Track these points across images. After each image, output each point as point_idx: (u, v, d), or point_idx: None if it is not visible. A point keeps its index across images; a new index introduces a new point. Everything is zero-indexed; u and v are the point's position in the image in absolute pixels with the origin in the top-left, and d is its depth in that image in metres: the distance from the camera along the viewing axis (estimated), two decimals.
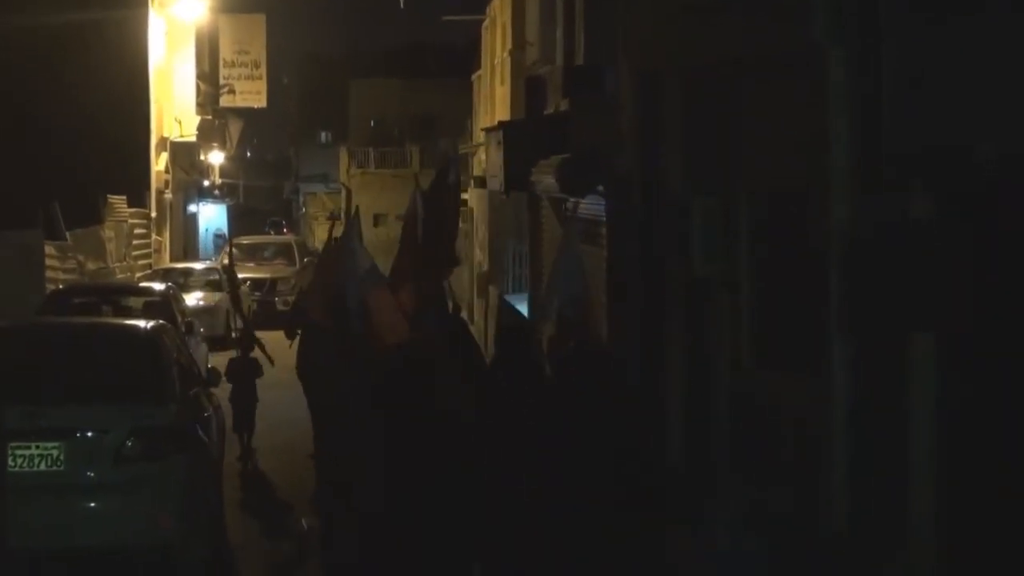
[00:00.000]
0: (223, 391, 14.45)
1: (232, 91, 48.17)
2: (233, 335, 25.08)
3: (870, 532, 7.90)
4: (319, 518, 12.02)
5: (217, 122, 48.22)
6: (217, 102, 47.91)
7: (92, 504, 10.20)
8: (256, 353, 16.89)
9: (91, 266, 28.32)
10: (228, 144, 51.20)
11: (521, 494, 8.75)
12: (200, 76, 44.14)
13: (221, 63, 47.76)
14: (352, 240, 12.45)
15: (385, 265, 13.08)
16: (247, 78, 48.32)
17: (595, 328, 11.91)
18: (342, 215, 62.45)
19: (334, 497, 10.91)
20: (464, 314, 27.14)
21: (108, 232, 30.46)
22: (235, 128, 52.11)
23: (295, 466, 15.12)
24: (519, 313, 13.11)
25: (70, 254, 26.98)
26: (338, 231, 13.78)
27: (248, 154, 70.26)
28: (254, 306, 30.59)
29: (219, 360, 17.49)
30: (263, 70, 48.72)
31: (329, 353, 11.81)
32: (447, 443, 9.18)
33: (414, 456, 9.24)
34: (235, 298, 21.87)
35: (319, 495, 12.51)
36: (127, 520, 10.18)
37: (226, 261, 31.19)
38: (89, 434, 10.23)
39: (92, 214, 29.67)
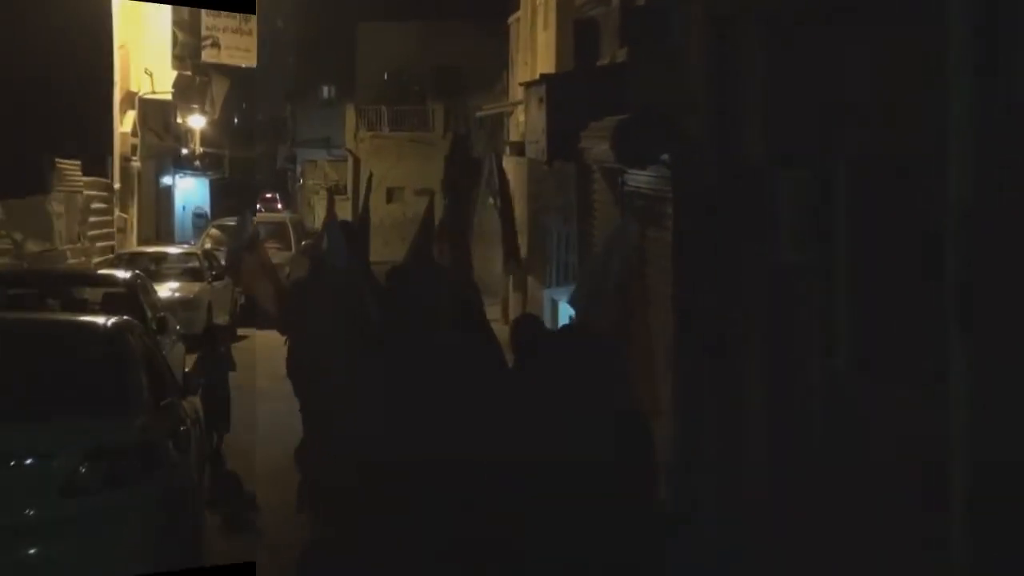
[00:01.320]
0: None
1: (216, 45, 48.05)
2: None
3: None
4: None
5: (198, 79, 48.28)
6: (198, 55, 47.90)
7: (33, 550, 9.72)
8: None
9: (32, 247, 28.07)
10: (211, 106, 51.26)
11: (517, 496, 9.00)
12: (177, 22, 44.23)
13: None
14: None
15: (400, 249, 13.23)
16: (234, 31, 48.17)
17: (640, 324, 12.06)
18: (347, 189, 62.53)
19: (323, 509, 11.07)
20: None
21: (57, 205, 30.13)
22: (220, 88, 52.14)
23: (285, 486, 15.25)
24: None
25: (4, 232, 26.88)
26: (339, 208, 13.86)
27: (235, 120, 70.32)
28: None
29: None
30: (253, 24, 48.47)
31: (326, 343, 11.92)
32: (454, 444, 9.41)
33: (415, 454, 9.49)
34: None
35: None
36: (81, 568, 9.75)
37: (207, 245, 31.00)
38: (28, 461, 9.93)
39: (35, 182, 29.04)
